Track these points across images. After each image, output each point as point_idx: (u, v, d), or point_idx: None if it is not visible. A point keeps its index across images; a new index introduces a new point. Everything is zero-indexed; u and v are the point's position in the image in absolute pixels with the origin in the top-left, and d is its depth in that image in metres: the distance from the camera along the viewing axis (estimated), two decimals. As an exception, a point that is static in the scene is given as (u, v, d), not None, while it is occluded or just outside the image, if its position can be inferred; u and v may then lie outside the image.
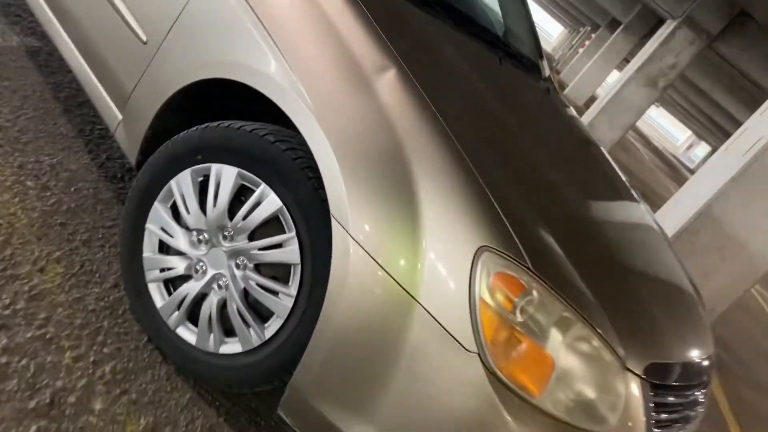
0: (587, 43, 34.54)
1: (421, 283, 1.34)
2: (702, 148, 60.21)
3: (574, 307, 1.40)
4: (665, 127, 66.78)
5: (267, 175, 1.54)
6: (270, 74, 1.54)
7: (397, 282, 1.35)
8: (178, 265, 1.66)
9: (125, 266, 1.74)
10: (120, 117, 1.88)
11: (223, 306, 1.62)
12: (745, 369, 6.02)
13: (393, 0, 1.89)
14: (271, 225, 1.55)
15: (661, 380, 1.61)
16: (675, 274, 2.22)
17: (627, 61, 20.98)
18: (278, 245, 1.54)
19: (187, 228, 1.65)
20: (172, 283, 1.69)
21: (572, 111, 2.85)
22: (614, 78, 17.13)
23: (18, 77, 2.30)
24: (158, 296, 1.70)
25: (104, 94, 1.94)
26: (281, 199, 1.52)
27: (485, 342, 1.32)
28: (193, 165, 1.62)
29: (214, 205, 1.59)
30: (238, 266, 1.59)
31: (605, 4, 21.46)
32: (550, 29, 65.47)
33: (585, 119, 12.52)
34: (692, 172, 31.35)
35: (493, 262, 1.34)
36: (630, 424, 1.49)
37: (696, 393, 1.85)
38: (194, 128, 1.65)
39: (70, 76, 2.53)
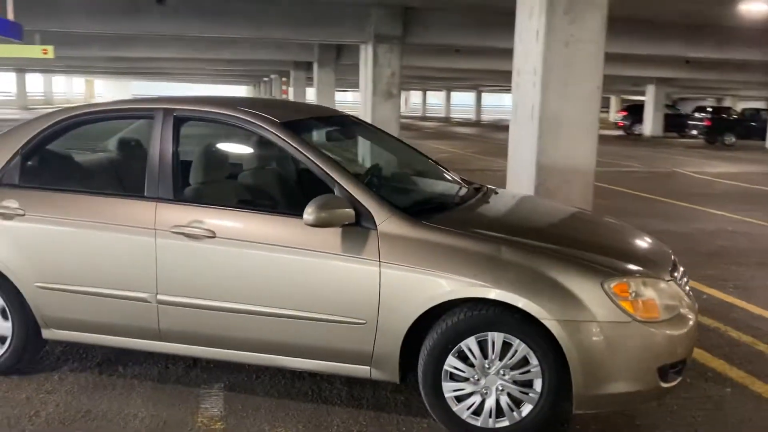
0: (285, 88, 37.32)
1: (594, 312, 2.93)
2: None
3: (638, 275, 3.09)
4: (462, 103, 67.77)
5: (488, 327, 3.04)
6: (447, 288, 3.03)
7: (587, 321, 2.93)
8: (476, 400, 3.11)
9: (451, 424, 3.13)
10: (369, 368, 3.24)
11: (509, 396, 3.08)
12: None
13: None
14: (505, 345, 3.05)
15: (676, 273, 3.35)
16: (614, 225, 4.03)
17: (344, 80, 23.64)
18: (515, 351, 3.04)
19: (466, 380, 3.09)
20: (476, 410, 3.12)
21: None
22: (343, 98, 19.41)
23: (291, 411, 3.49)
24: (474, 421, 3.12)
25: (348, 365, 3.26)
26: (503, 332, 3.03)
27: (631, 313, 2.96)
28: (450, 352, 3.07)
29: (475, 358, 3.06)
30: (503, 375, 3.07)
31: (280, 55, 23.78)
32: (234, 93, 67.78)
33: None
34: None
35: (608, 284, 2.99)
36: (684, 299, 3.21)
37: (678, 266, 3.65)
38: (438, 337, 3.07)
39: (295, 386, 3.71)
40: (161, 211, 3.41)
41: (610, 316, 2.95)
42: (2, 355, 3.72)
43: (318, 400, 3.57)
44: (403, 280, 3.10)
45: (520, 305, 2.97)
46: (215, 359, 3.56)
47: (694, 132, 29.21)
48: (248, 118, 3.50)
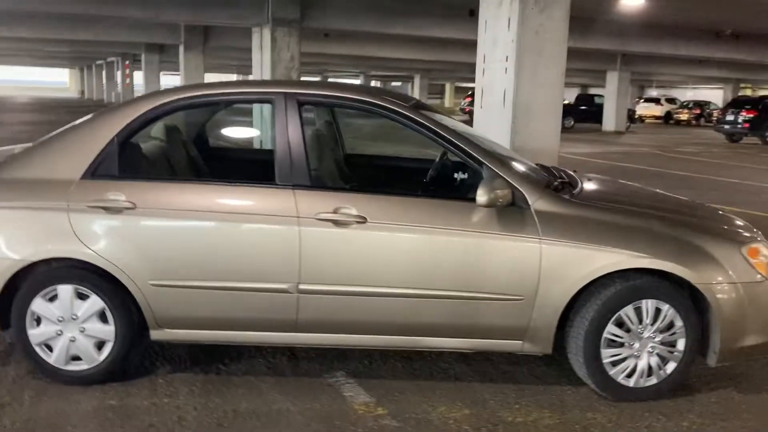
0: (127, 72, 35.13)
1: (735, 274, 3.27)
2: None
3: (762, 240, 3.48)
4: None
5: (643, 295, 3.28)
6: (611, 261, 3.23)
7: (731, 282, 3.26)
8: (630, 363, 3.34)
9: (606, 388, 3.35)
10: (521, 342, 3.36)
11: (657, 356, 3.35)
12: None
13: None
14: (656, 311, 3.31)
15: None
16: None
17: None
18: (665, 315, 3.31)
19: (622, 345, 3.32)
20: (629, 373, 3.35)
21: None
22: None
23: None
24: (626, 382, 3.36)
25: (499, 341, 3.36)
26: (655, 299, 3.28)
27: (763, 273, 3.34)
28: (610, 320, 3.28)
29: (632, 324, 3.29)
30: (653, 338, 3.33)
31: (133, 36, 22.06)
32: (57, 78, 62.49)
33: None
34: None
35: (744, 249, 3.34)
36: None
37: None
38: (600, 307, 3.25)
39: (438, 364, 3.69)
40: (301, 199, 3.28)
41: (748, 277, 3.31)
42: (103, 361, 3.40)
43: (449, 378, 3.63)
44: (564, 256, 3.25)
45: (679, 273, 3.24)
46: (353, 345, 3.49)
47: (537, 116, 31.43)
48: (379, 102, 3.45)
